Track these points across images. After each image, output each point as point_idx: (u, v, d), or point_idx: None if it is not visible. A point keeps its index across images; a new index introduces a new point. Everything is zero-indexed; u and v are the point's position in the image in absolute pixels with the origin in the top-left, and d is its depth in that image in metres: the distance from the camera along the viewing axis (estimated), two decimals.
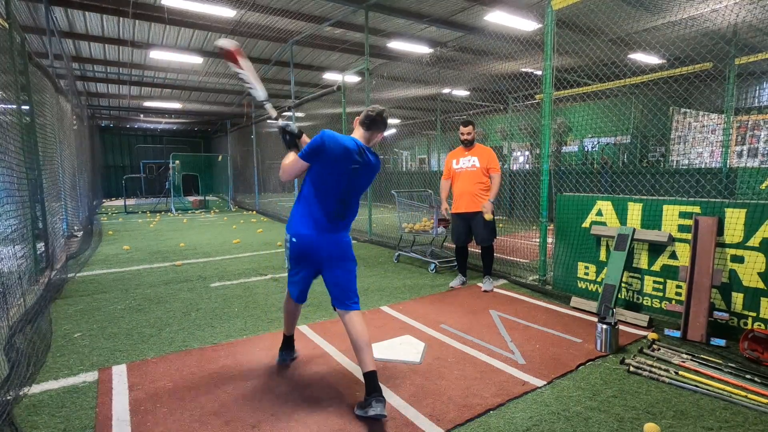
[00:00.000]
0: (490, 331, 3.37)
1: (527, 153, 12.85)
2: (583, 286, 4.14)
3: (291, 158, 2.41)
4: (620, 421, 2.16)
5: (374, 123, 2.43)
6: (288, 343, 2.84)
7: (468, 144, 4.51)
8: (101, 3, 7.62)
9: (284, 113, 10.99)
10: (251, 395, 2.44)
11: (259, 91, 2.63)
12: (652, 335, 3.22)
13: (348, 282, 2.43)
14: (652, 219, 3.65)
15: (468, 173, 4.45)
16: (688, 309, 3.20)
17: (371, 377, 2.20)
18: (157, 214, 12.81)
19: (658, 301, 3.62)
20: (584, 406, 2.30)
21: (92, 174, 13.44)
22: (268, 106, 2.67)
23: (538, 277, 4.71)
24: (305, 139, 2.53)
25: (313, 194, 2.38)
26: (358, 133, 2.45)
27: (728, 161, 7.47)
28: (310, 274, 2.53)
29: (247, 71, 2.62)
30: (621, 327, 3.36)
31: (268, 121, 2.61)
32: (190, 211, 13.77)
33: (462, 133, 4.50)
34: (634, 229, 3.66)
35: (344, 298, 2.41)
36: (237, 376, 2.65)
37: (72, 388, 2.53)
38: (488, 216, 4.34)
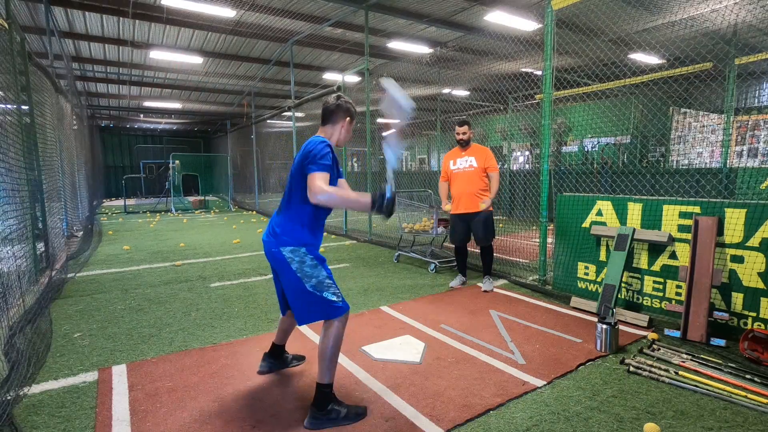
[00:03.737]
0: (490, 331, 3.37)
1: (527, 153, 12.86)
2: (583, 286, 4.14)
3: (353, 197, 2.09)
4: (620, 421, 2.16)
5: (323, 115, 2.30)
6: (273, 352, 2.70)
7: (464, 144, 4.51)
8: (101, 3, 7.62)
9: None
10: (251, 395, 2.43)
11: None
12: (652, 335, 3.22)
13: (294, 295, 2.29)
14: (652, 219, 3.65)
15: (466, 174, 4.45)
16: (688, 309, 3.20)
17: (316, 388, 2.18)
18: (157, 214, 12.81)
19: (658, 301, 3.62)
20: (584, 406, 2.30)
21: (92, 174, 13.44)
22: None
23: (538, 277, 4.71)
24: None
25: (320, 212, 2.23)
26: (321, 132, 2.29)
27: (728, 161, 7.47)
28: (277, 282, 2.43)
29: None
30: (621, 327, 3.36)
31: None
32: (190, 211, 13.77)
33: (458, 133, 4.49)
34: (634, 229, 3.66)
35: (294, 312, 2.30)
36: (237, 376, 2.65)
37: (72, 388, 2.53)
38: (483, 206, 4.33)
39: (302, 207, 2.18)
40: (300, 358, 2.84)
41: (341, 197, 2.06)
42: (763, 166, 8.48)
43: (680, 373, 2.61)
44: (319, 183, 2.00)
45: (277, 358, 2.72)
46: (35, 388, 2.51)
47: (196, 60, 10.70)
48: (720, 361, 2.76)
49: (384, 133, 2.16)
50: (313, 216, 2.22)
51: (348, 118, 2.33)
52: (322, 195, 2.00)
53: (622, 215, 3.85)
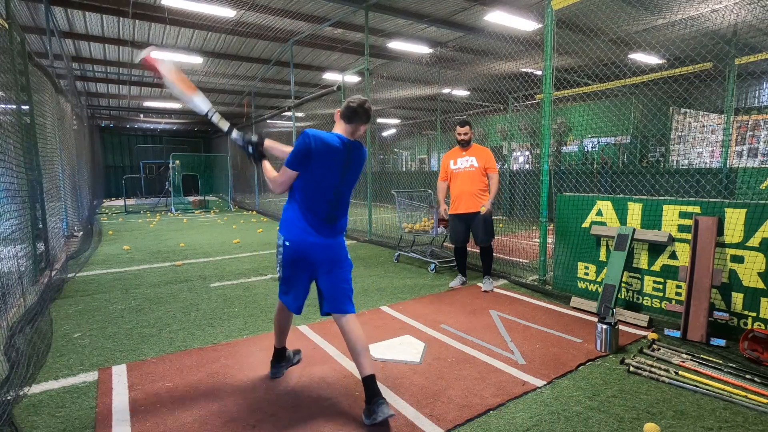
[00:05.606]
0: (490, 331, 3.37)
1: (527, 153, 12.86)
2: (583, 286, 4.14)
3: (272, 170, 2.36)
4: (620, 421, 2.16)
5: (356, 115, 2.29)
6: (279, 356, 2.69)
7: (465, 144, 4.51)
8: (101, 3, 7.63)
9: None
10: (251, 395, 2.44)
11: (198, 103, 2.39)
12: (652, 335, 3.22)
13: (344, 285, 2.36)
14: (652, 219, 3.65)
15: (467, 174, 4.44)
16: (688, 309, 3.20)
17: (371, 381, 2.16)
18: (157, 214, 12.81)
19: (658, 301, 3.62)
20: (584, 406, 2.30)
21: (92, 174, 13.44)
22: (215, 118, 2.42)
23: (538, 277, 4.71)
24: (270, 144, 2.49)
25: (304, 197, 2.30)
26: (340, 128, 2.33)
27: (728, 161, 7.47)
28: (306, 280, 2.40)
29: (175, 81, 2.35)
30: (621, 327, 3.36)
31: (224, 135, 2.44)
32: (190, 211, 13.77)
33: (459, 134, 4.48)
34: (634, 229, 3.66)
35: (340, 302, 2.34)
36: (237, 376, 2.65)
37: (72, 388, 2.53)
38: (483, 209, 4.34)
39: None
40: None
41: (273, 175, 2.43)
42: (763, 166, 8.48)
43: (680, 373, 2.61)
44: None
45: (283, 360, 2.71)
46: (35, 388, 2.51)
47: (196, 60, 10.70)
48: (720, 361, 2.76)
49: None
50: None
51: (368, 123, 2.43)
52: None
53: (622, 215, 3.85)
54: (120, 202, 16.64)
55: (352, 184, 2.42)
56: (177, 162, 14.35)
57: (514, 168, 11.98)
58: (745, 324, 3.12)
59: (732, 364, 2.71)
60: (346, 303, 2.35)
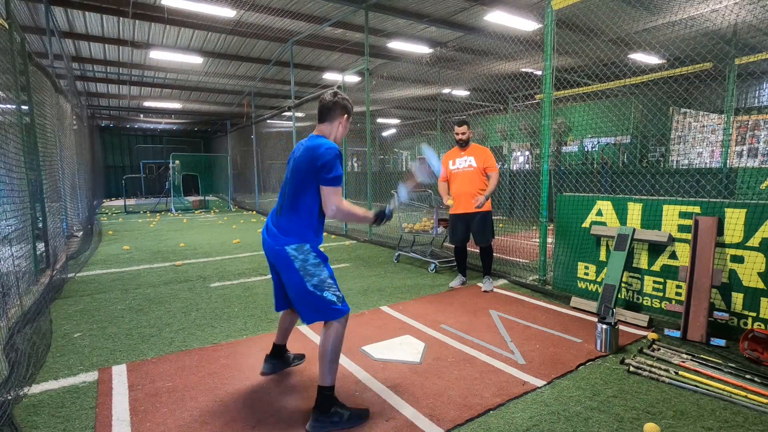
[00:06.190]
0: (490, 331, 3.37)
1: (527, 153, 12.86)
2: (583, 286, 4.14)
3: (360, 213, 2.30)
4: (620, 421, 2.16)
5: (327, 110, 2.30)
6: (276, 352, 2.67)
7: (463, 144, 4.50)
8: (101, 3, 7.62)
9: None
10: (251, 395, 2.44)
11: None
12: (652, 335, 3.22)
13: (300, 291, 2.16)
14: (652, 219, 3.65)
15: (465, 174, 4.44)
16: (688, 309, 3.20)
17: (318, 391, 2.14)
18: (157, 214, 12.81)
19: (658, 301, 3.62)
20: (584, 406, 2.30)
21: (92, 174, 13.44)
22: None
23: (538, 277, 4.71)
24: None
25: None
26: (318, 131, 2.34)
27: (728, 161, 7.47)
28: (275, 276, 2.41)
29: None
30: (621, 327, 3.36)
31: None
32: (190, 212, 13.77)
33: (457, 133, 4.48)
34: (634, 229, 3.66)
35: (299, 310, 2.23)
36: (237, 376, 2.65)
37: (72, 388, 2.53)
38: (475, 202, 4.30)
39: (311, 210, 2.19)
40: (300, 357, 2.85)
41: (350, 211, 2.23)
42: (763, 166, 8.48)
43: (680, 373, 2.61)
44: (336, 198, 2.14)
45: (279, 358, 2.70)
46: (35, 388, 2.51)
47: (196, 60, 10.70)
48: (720, 361, 2.76)
49: (406, 184, 2.46)
50: (318, 219, 2.25)
51: (345, 115, 2.35)
52: (338, 211, 2.15)
53: (622, 215, 3.85)
54: (120, 202, 16.64)
55: (293, 179, 2.21)
56: (177, 162, 14.35)
57: (514, 168, 11.97)
58: (745, 324, 3.12)
59: (732, 364, 2.71)
60: (302, 312, 2.21)
